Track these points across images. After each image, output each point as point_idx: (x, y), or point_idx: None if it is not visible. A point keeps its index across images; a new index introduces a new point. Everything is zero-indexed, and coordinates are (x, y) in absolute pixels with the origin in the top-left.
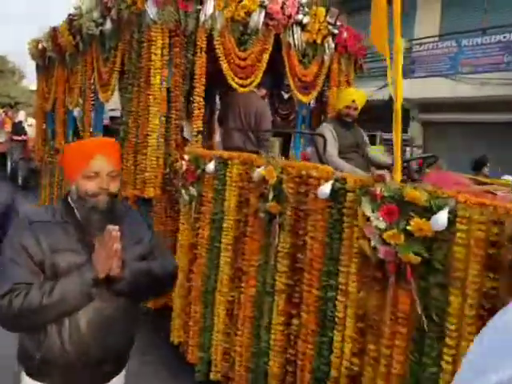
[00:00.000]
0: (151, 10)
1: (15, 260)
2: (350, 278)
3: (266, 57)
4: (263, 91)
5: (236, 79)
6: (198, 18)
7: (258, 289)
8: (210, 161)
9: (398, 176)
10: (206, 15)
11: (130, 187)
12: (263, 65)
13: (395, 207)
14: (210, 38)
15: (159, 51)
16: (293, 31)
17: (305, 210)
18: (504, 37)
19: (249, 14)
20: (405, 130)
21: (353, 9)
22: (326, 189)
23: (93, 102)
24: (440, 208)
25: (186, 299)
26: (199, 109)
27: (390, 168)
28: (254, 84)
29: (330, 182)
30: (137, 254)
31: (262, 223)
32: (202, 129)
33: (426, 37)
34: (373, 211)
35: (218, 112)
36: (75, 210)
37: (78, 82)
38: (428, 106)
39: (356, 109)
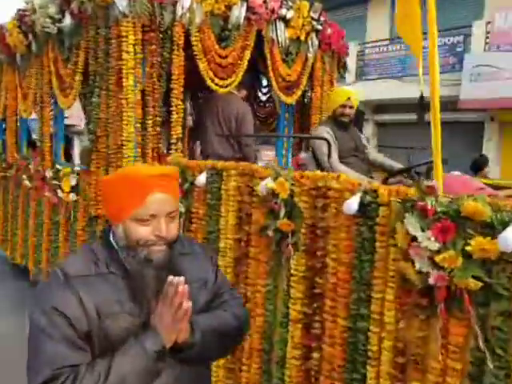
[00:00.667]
0: (120, 2)
1: (51, 333)
2: (385, 305)
3: (247, 54)
4: (243, 92)
5: (216, 79)
6: (174, 12)
7: (266, 318)
8: (201, 172)
9: (440, 182)
10: (183, 8)
11: (101, 206)
12: (245, 63)
13: (451, 224)
14: (186, 34)
15: (131, 48)
16: (276, 27)
17: (323, 228)
18: (448, 40)
19: (229, 7)
20: (361, 132)
21: (332, 6)
22: (353, 203)
23: (51, 109)
24: (506, 224)
25: None
26: (177, 113)
27: (399, 173)
28: (235, 84)
29: (358, 195)
30: (202, 302)
31: (270, 243)
32: (181, 136)
33: (377, 40)
34: (422, 229)
35: (190, 117)
36: (123, 260)
37: (32, 87)
38: (381, 107)
39: (352, 107)
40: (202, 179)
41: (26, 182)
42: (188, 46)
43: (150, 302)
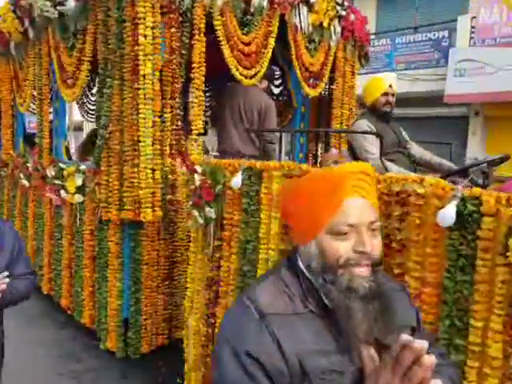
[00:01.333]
0: None
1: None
2: (490, 336)
3: (271, 42)
4: (265, 83)
5: (240, 69)
6: None
7: None
8: (234, 173)
9: None
10: None
11: (114, 208)
12: (269, 52)
13: None
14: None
15: (149, 32)
16: (299, 11)
17: (401, 241)
18: (434, 34)
19: None
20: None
21: None
22: (450, 213)
23: (51, 103)
24: None
25: (206, 350)
26: (199, 105)
27: (457, 173)
28: (260, 75)
29: (454, 203)
30: None
31: None
32: (202, 131)
33: None
34: None
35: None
36: (320, 293)
37: (29, 79)
38: None
39: (393, 95)
40: (237, 181)
41: (24, 182)
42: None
43: (357, 346)
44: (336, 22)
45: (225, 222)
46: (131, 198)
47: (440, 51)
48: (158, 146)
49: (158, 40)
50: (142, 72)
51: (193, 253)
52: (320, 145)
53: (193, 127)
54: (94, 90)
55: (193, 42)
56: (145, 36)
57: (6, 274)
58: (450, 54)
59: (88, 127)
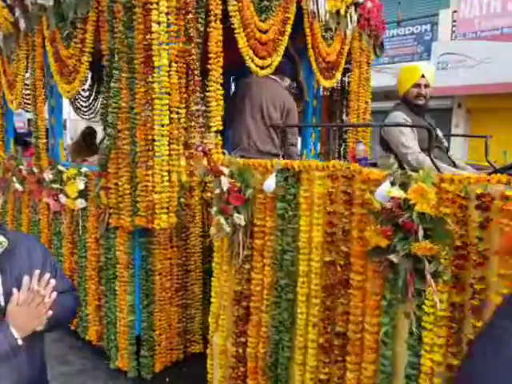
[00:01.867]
0: None
1: None
2: None
3: (288, 29)
4: (287, 81)
5: (255, 59)
6: None
7: (381, 368)
8: (265, 174)
9: None
10: None
11: (126, 215)
12: (285, 40)
13: None
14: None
15: (164, 18)
16: None
17: (483, 252)
18: (416, 28)
19: None
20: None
21: None
22: None
23: (45, 99)
24: None
25: (236, 371)
26: (217, 100)
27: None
28: (275, 65)
29: None
30: None
31: (384, 269)
32: (221, 127)
33: None
34: None
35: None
36: None
37: (20, 73)
38: None
39: (427, 86)
40: (270, 183)
41: (17, 186)
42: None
43: None
44: (353, 9)
45: (256, 229)
46: (145, 203)
47: (423, 45)
48: (175, 146)
49: (173, 27)
50: (156, 63)
51: (217, 264)
52: (332, 141)
53: (211, 124)
54: (87, 86)
55: (209, 30)
56: (158, 23)
57: (54, 283)
58: (433, 48)
59: (71, 125)
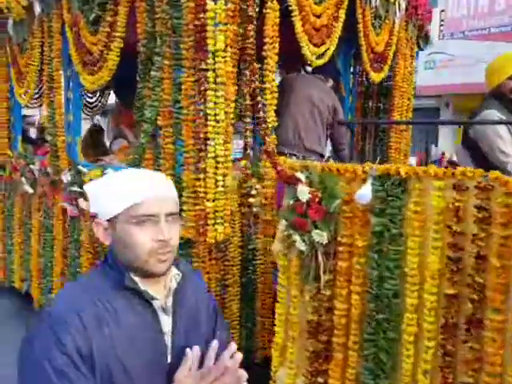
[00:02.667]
0: None
1: None
2: None
3: (342, 14)
4: (331, 82)
5: (310, 47)
6: None
7: None
8: (356, 182)
9: None
10: None
11: None
12: (339, 26)
13: None
14: None
15: None
16: None
17: None
18: None
19: None
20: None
21: None
22: None
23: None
24: None
25: None
26: (272, 93)
27: None
28: (329, 55)
29: None
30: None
31: None
32: (276, 123)
33: None
34: None
35: None
36: None
37: (34, 63)
38: None
39: None
40: (365, 194)
41: (27, 188)
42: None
43: None
44: None
45: (341, 248)
46: (194, 212)
47: None
48: (229, 145)
49: (230, 5)
50: (211, 48)
51: (282, 287)
52: (369, 141)
53: (267, 119)
54: None
55: (265, 11)
56: (214, 0)
57: (240, 357)
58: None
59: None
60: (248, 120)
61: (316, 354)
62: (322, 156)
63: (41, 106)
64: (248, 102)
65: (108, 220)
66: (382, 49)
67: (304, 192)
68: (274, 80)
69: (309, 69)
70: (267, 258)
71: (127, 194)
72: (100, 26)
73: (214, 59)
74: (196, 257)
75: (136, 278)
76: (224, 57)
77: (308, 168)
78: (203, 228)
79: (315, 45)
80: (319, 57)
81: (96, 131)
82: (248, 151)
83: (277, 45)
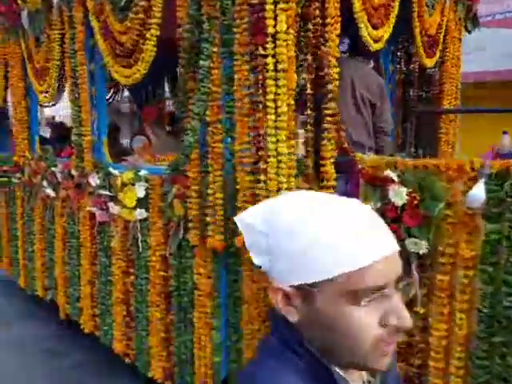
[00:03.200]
0: None
1: None
2: None
3: None
4: (371, 63)
5: (369, 28)
6: None
7: None
8: (460, 182)
9: None
10: None
11: (216, 232)
12: (396, 7)
13: None
14: None
15: None
16: None
17: None
18: None
19: None
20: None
21: None
22: None
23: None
24: None
25: None
26: (334, 80)
27: None
28: (386, 37)
29: None
30: None
31: None
32: (339, 117)
33: None
34: None
35: None
36: None
37: (55, 58)
38: None
39: None
40: (478, 195)
41: (48, 191)
42: None
43: None
44: None
45: (443, 259)
46: None
47: None
48: (292, 142)
49: None
50: (270, 30)
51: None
52: (410, 133)
53: (327, 111)
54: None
55: None
56: None
57: None
58: None
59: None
60: (309, 112)
61: (407, 379)
62: (370, 149)
63: (54, 104)
64: (309, 91)
65: (297, 287)
66: (434, 31)
67: (400, 194)
68: (336, 66)
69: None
70: None
71: (348, 250)
72: (131, 13)
73: (274, 43)
74: (246, 265)
75: (337, 369)
76: (286, 40)
77: (396, 165)
78: None
79: (374, 26)
80: (379, 40)
81: (113, 130)
82: (310, 148)
83: (338, 25)
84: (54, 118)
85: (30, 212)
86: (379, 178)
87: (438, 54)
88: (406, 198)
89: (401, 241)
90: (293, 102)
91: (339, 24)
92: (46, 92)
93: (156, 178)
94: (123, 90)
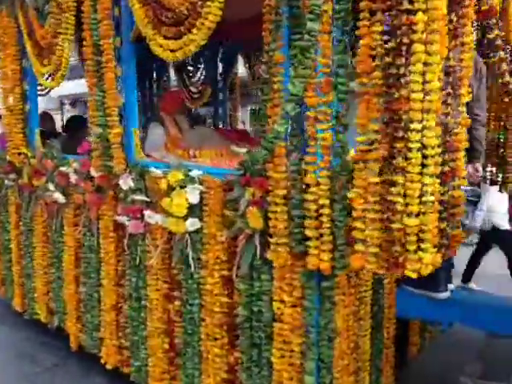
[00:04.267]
0: None
1: None
2: None
3: None
4: None
5: None
6: None
7: None
8: None
9: None
10: None
11: (324, 249)
12: None
13: None
14: None
15: None
16: None
17: None
18: None
19: None
20: None
21: None
22: None
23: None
24: None
25: None
26: (470, 50)
27: None
28: None
29: None
30: None
31: None
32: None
33: None
34: None
35: None
36: None
37: (67, 32)
38: None
39: None
40: None
41: (57, 196)
42: None
43: None
44: None
45: None
46: (382, 232)
47: None
48: (442, 135)
49: None
50: None
51: None
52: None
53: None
54: None
55: None
56: None
57: None
58: None
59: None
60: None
61: None
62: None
63: (49, 92)
64: (452, 62)
65: None
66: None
67: None
68: (472, 33)
69: None
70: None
71: None
72: None
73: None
74: (338, 289)
75: None
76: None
77: None
78: (399, 256)
79: None
80: None
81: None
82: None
83: None
84: None
85: (29, 221)
86: None
87: None
88: None
89: None
90: (439, 85)
91: None
92: (50, 75)
93: (213, 179)
94: None
